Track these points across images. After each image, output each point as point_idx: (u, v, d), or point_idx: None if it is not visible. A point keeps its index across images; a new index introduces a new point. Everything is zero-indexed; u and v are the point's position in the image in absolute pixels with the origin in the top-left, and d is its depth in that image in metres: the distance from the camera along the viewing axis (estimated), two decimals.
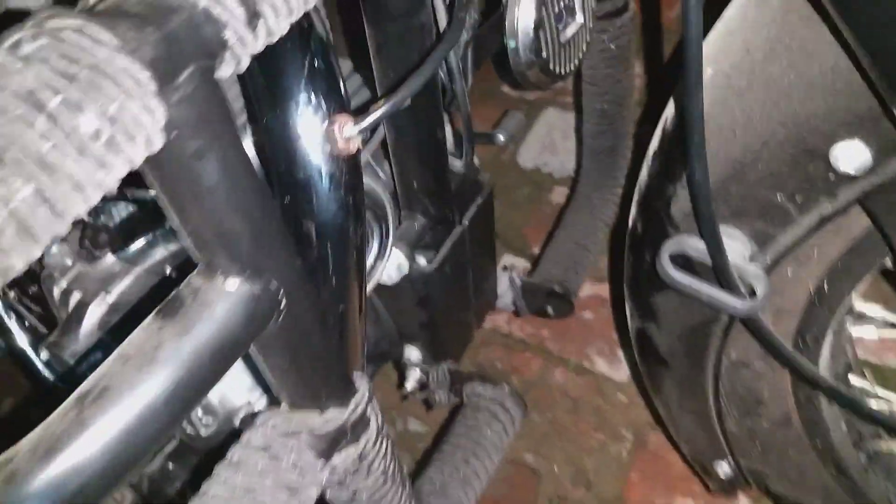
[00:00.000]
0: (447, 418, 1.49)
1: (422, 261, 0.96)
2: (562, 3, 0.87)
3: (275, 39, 0.42)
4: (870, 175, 0.54)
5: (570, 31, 0.91)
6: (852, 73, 0.51)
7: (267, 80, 0.61)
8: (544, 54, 0.87)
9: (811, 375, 0.70)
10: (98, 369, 0.43)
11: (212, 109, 0.40)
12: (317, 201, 0.63)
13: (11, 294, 1.22)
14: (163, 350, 0.44)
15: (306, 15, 0.63)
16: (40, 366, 1.20)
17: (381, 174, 0.95)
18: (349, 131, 0.60)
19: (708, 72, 0.57)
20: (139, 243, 0.98)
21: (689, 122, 0.51)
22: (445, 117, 0.91)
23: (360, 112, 0.64)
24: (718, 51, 0.58)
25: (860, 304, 0.77)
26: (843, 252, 0.64)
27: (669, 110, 0.66)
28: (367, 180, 0.81)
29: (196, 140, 0.39)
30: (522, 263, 1.80)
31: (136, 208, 0.97)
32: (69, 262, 0.96)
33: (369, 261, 0.85)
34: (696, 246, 0.63)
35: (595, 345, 1.65)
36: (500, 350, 1.69)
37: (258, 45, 0.40)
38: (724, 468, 0.95)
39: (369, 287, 0.87)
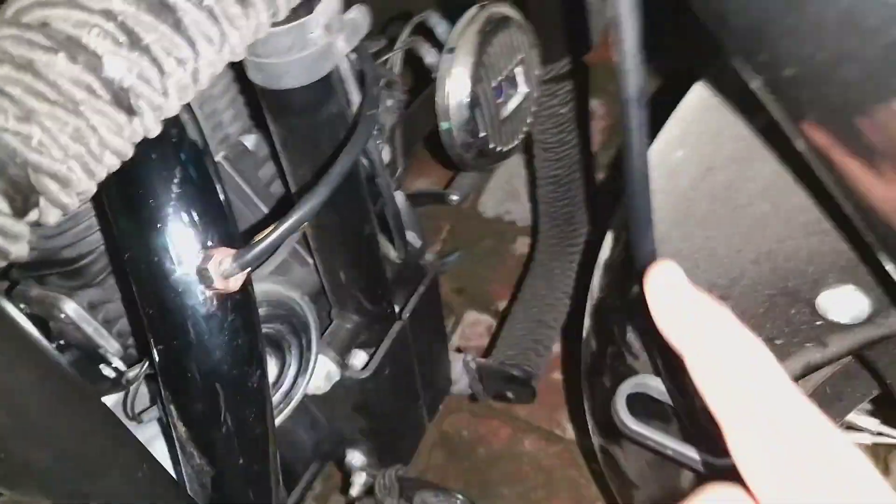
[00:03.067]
0: None
1: (355, 366, 0.85)
2: (501, 75, 0.77)
3: (67, 214, 0.31)
4: (867, 326, 0.45)
5: (512, 104, 0.81)
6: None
7: (126, 204, 0.50)
8: (482, 133, 0.76)
9: None
10: None
11: None
12: (195, 350, 0.52)
13: None
14: None
15: (175, 119, 0.52)
16: None
17: (307, 259, 0.84)
18: (228, 268, 0.49)
19: (660, 184, 0.47)
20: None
21: (638, 264, 0.40)
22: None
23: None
24: (676, 162, 0.48)
25: (853, 416, 0.68)
26: (832, 378, 0.54)
27: (619, 218, 0.56)
28: (279, 287, 0.70)
29: None
30: (487, 320, 1.70)
31: None
32: None
33: (287, 380, 0.73)
34: (658, 388, 0.52)
35: (566, 409, 1.54)
36: (466, 417, 1.57)
37: (27, 233, 0.29)
38: None
39: (291, 405, 0.75)
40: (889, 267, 0.39)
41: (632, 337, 0.55)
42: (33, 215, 0.30)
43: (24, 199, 0.29)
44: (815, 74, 0.28)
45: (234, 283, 0.50)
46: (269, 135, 0.83)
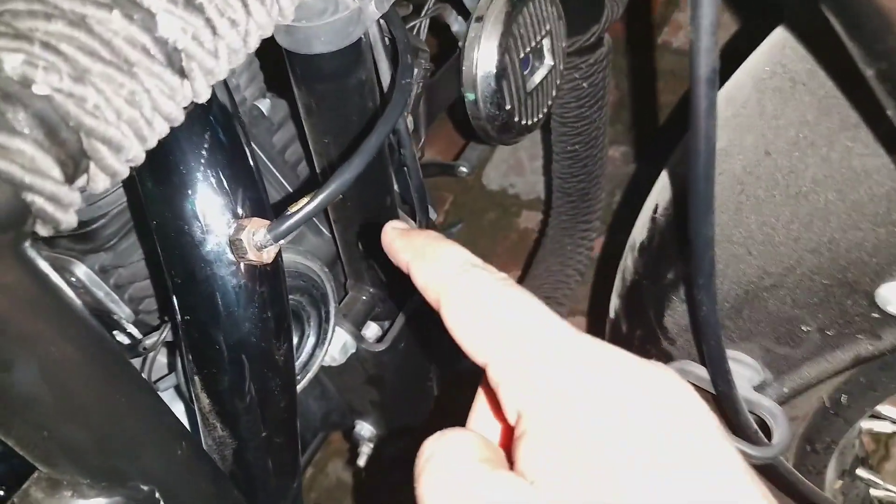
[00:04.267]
0: None
1: (371, 339, 0.84)
2: (528, 46, 0.75)
3: (115, 182, 0.29)
4: None
5: (538, 76, 0.78)
6: None
7: (155, 171, 0.48)
8: (508, 106, 0.74)
9: None
10: None
11: (24, 295, 0.27)
12: (224, 321, 0.50)
13: None
14: None
15: None
16: None
17: (321, 229, 0.82)
18: (262, 240, 0.47)
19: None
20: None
21: (696, 249, 0.39)
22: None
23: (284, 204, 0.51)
24: (727, 143, 0.46)
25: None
26: (868, 367, 0.53)
27: (660, 195, 0.55)
28: (300, 258, 0.68)
29: None
30: None
31: None
32: None
33: (305, 352, 0.72)
34: (697, 374, 0.52)
35: None
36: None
37: (79, 201, 0.28)
38: None
39: (308, 377, 0.74)
40: None
41: (669, 321, 0.54)
42: (81, 182, 0.29)
43: (75, 165, 0.27)
44: None
45: (267, 256, 0.48)
46: (284, 100, 0.81)
